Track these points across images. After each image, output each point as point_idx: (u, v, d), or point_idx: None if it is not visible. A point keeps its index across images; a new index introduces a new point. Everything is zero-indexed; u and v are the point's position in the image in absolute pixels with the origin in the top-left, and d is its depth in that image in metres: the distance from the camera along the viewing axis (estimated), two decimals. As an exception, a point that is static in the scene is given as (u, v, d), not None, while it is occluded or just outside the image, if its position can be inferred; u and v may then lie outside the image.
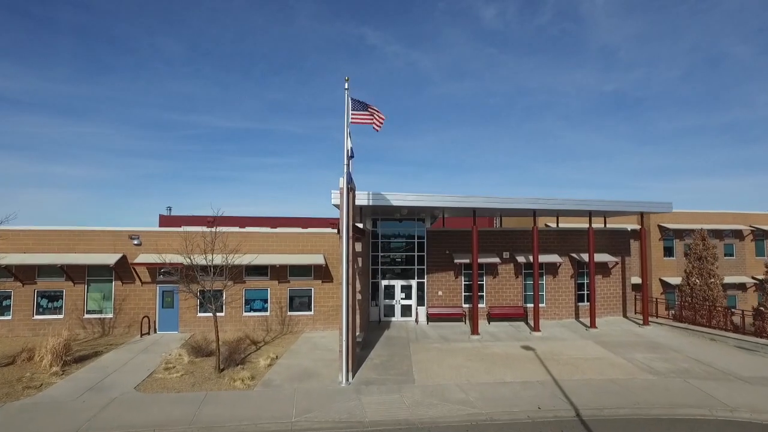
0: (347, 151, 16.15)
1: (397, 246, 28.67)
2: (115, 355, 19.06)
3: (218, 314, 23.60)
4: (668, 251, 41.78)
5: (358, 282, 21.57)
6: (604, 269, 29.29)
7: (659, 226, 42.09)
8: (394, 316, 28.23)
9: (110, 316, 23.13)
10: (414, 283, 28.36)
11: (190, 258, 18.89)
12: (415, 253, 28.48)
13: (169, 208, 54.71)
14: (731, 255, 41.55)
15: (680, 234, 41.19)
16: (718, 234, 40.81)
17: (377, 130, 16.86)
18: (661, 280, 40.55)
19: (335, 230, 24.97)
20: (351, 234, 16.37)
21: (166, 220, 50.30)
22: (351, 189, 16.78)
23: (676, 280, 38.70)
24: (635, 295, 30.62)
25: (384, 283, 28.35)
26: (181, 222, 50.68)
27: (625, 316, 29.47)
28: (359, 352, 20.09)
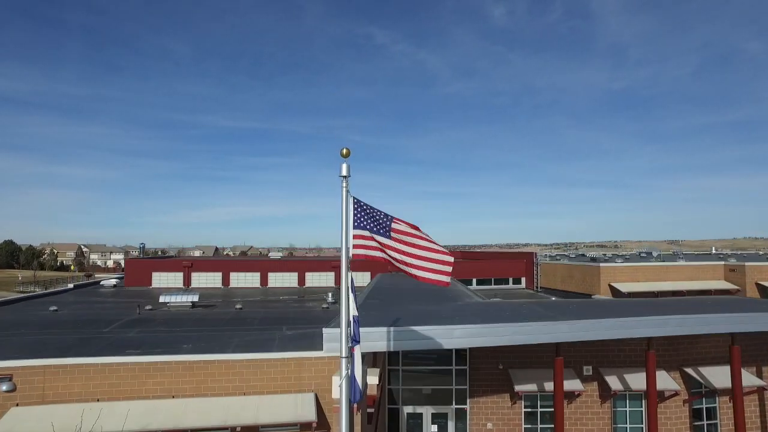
0: (348, 322, 7.04)
1: (427, 356, 19.54)
2: None
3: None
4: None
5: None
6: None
7: (757, 285, 32.80)
8: (421, 459, 19.13)
9: None
10: (451, 410, 19.24)
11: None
12: (453, 367, 19.32)
13: (142, 246, 46.02)
14: None
15: (786, 296, 31.82)
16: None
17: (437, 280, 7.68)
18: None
19: (326, 354, 15.83)
20: None
21: (133, 266, 41.47)
22: (356, 405, 7.69)
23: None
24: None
25: (407, 410, 19.26)
26: (151, 267, 41.91)
27: (761, 455, 20.11)
28: None
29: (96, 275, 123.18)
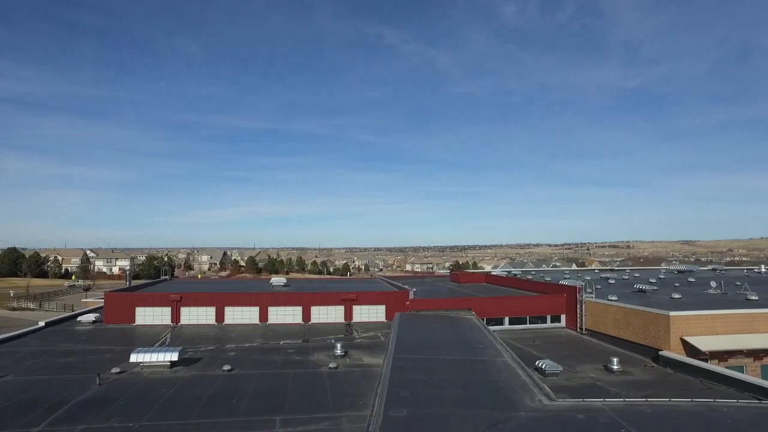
0: None
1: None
2: None
3: None
4: None
5: None
6: None
7: None
8: None
9: None
10: None
11: None
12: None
13: (130, 272, 40.81)
14: None
15: None
16: None
17: None
18: None
19: None
20: None
21: (115, 301, 36.10)
22: None
23: None
24: None
25: None
26: (135, 302, 36.57)
27: None
28: None
29: (98, 282, 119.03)
